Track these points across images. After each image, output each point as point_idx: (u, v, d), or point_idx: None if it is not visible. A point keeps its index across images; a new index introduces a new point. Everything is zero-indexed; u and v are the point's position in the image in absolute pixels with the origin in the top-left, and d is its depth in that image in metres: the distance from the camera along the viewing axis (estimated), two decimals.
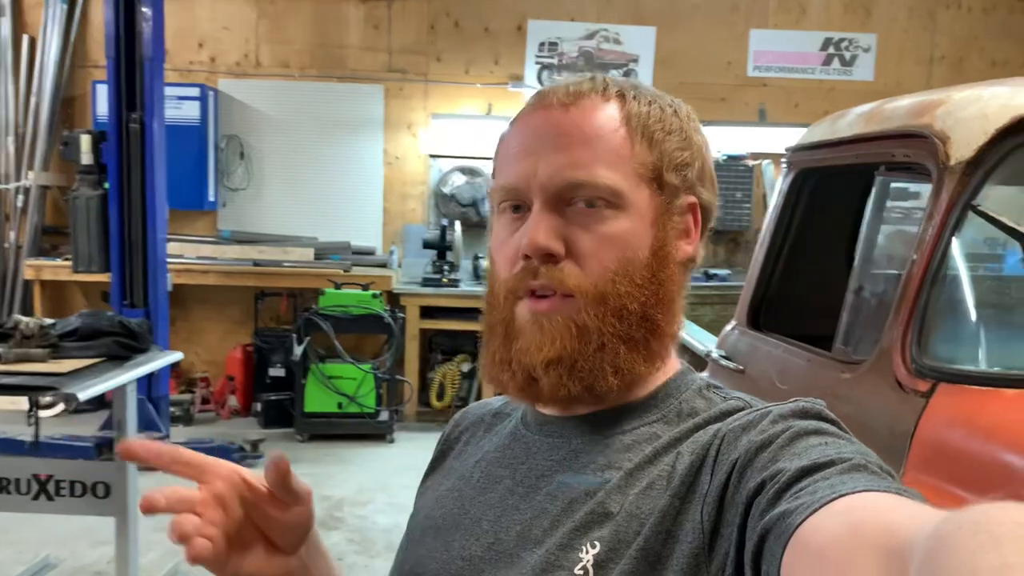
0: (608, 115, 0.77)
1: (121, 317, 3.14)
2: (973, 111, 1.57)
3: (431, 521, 0.85)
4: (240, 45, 6.07)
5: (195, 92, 5.84)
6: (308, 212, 6.15)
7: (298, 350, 5.21)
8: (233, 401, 5.80)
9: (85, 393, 2.60)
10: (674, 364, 0.82)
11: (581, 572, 0.70)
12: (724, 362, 2.21)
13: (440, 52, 6.17)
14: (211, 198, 6.00)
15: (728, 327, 2.36)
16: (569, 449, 0.79)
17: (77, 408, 3.85)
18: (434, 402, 5.86)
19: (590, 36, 6.20)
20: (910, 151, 1.67)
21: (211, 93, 5.94)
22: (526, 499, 0.78)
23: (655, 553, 0.68)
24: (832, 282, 2.43)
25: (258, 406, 5.65)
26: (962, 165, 1.53)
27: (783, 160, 2.24)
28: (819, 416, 0.69)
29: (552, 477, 0.78)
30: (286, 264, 5.73)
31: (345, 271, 5.71)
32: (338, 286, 5.45)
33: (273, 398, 5.58)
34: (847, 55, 6.36)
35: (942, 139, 1.58)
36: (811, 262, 2.25)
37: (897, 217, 2.41)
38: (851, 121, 1.98)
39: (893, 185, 2.75)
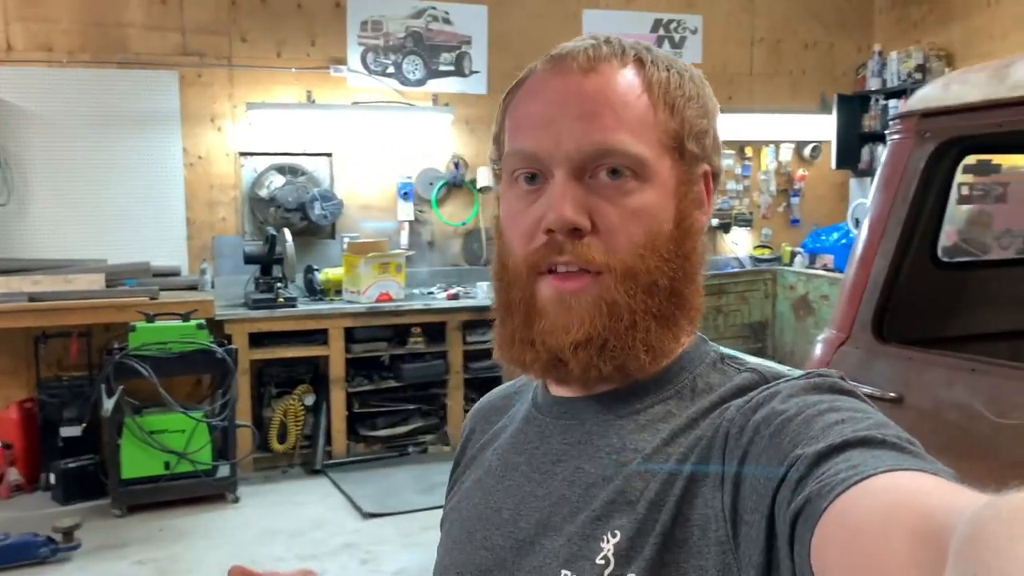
0: (629, 81, 0.74)
1: None
2: None
3: (457, 514, 0.84)
4: None
5: None
6: (90, 229, 4.98)
7: (109, 403, 4.12)
8: (14, 474, 4.54)
9: None
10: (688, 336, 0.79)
11: (603, 562, 0.68)
12: (862, 389, 1.73)
13: (245, 32, 5.23)
14: None
15: (827, 341, 1.88)
16: (583, 431, 0.77)
17: None
18: (275, 446, 4.96)
19: (418, 15, 5.54)
20: None
21: None
22: (543, 485, 0.77)
23: (675, 539, 0.66)
24: (968, 277, 2.04)
25: (51, 477, 4.47)
26: None
27: (897, 130, 1.78)
28: (832, 389, 0.66)
29: (568, 461, 0.76)
30: (72, 296, 4.55)
31: (152, 298, 4.64)
32: (151, 318, 4.41)
33: (72, 465, 4.42)
34: (676, 36, 6.20)
35: None
36: (930, 253, 1.83)
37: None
38: None
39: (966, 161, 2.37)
